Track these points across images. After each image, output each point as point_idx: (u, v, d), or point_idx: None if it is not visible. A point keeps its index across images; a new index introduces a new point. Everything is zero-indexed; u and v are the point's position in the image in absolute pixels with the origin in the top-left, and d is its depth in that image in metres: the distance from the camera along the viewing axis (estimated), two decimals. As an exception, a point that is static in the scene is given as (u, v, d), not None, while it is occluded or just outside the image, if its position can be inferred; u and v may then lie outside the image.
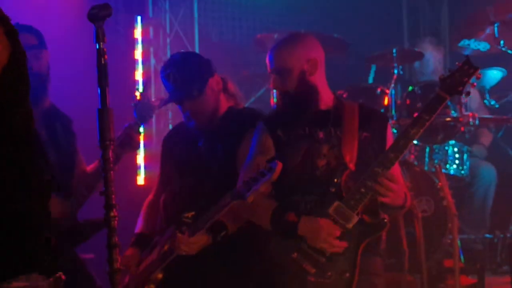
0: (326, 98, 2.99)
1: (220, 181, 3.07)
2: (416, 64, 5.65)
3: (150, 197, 3.45)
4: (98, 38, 1.88)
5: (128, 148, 3.34)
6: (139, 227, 3.35)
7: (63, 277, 1.76)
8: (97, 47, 1.88)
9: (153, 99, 3.60)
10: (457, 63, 2.86)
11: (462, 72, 2.77)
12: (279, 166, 2.64)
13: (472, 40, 5.55)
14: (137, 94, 3.49)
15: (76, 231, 3.29)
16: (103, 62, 1.86)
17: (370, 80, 5.61)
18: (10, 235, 1.69)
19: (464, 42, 5.59)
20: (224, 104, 3.25)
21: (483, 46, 5.52)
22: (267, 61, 3.01)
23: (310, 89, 2.94)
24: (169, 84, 3.20)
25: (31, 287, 1.68)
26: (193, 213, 2.96)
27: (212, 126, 3.22)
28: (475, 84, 2.82)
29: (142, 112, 3.38)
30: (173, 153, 3.33)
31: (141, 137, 5.51)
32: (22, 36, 1.71)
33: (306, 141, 2.91)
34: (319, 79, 2.98)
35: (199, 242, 2.93)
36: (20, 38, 1.75)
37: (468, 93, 2.82)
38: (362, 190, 2.72)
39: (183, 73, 3.16)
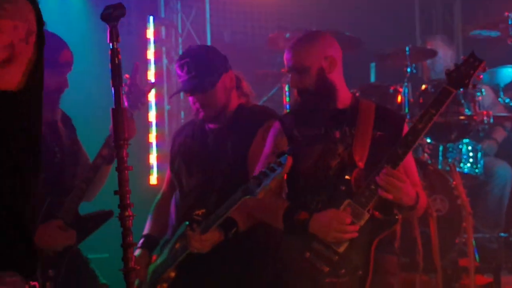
0: (344, 97, 2.98)
1: (230, 178, 3.07)
2: (428, 62, 5.63)
3: (159, 197, 3.45)
4: (112, 38, 1.88)
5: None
6: (147, 228, 3.35)
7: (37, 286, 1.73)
8: (111, 47, 1.89)
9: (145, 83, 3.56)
10: (462, 56, 2.91)
11: (468, 65, 2.81)
12: (289, 160, 2.63)
13: (484, 31, 5.53)
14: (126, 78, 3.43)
15: (79, 226, 3.29)
16: (117, 62, 1.87)
17: (372, 79, 5.60)
18: None
19: (475, 32, 5.57)
20: (235, 101, 3.24)
21: (494, 33, 5.50)
22: (284, 59, 3.02)
23: (328, 87, 2.94)
24: (183, 73, 3.18)
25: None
26: (203, 210, 2.96)
27: (222, 122, 3.21)
28: (481, 76, 2.86)
29: (133, 99, 3.36)
30: (182, 150, 3.31)
31: (153, 137, 5.55)
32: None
33: (321, 141, 2.91)
34: (337, 77, 2.98)
35: (211, 239, 2.93)
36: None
37: (474, 86, 2.85)
38: (372, 187, 2.74)
39: (199, 64, 3.15)
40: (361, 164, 2.81)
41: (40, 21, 1.73)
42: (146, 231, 3.34)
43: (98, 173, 3.27)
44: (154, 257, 3.24)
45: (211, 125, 3.25)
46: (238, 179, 2.89)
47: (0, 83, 1.66)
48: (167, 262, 3.10)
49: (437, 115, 2.75)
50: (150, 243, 3.28)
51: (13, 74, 1.68)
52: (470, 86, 2.81)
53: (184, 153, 3.29)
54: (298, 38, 3.04)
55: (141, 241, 3.30)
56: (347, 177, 2.80)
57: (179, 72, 3.21)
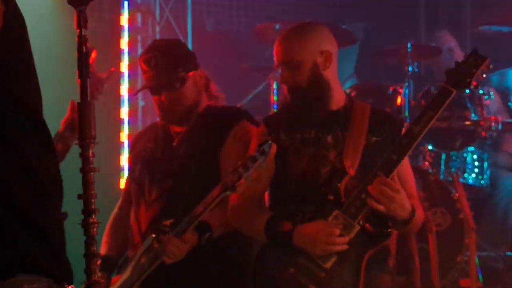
0: (338, 97, 2.98)
1: (199, 183, 3.04)
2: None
3: (115, 212, 3.38)
4: (80, 23, 1.88)
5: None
6: (104, 248, 3.27)
7: None
8: (78, 33, 1.88)
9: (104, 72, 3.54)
10: (464, 54, 2.90)
11: (470, 63, 2.81)
12: (273, 148, 2.63)
13: (493, 26, 5.58)
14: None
15: None
16: (84, 50, 1.86)
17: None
18: (12, 230, 1.69)
19: (485, 27, 5.62)
20: (204, 103, 3.25)
21: (505, 28, 5.56)
22: (274, 52, 3.00)
23: (322, 85, 2.94)
24: (148, 69, 3.16)
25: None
26: (171, 220, 2.94)
27: (188, 124, 3.21)
28: (484, 76, 2.85)
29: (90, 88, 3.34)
30: (143, 157, 3.28)
31: (125, 136, 5.53)
32: None
33: (311, 146, 2.91)
34: (332, 75, 2.97)
35: (189, 241, 2.90)
36: None
37: (476, 86, 2.85)
38: (363, 196, 2.73)
39: (168, 59, 3.14)
40: (351, 171, 2.81)
41: None
42: (103, 251, 3.25)
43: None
44: (113, 280, 3.18)
45: (177, 128, 3.24)
46: (208, 184, 2.87)
47: None
48: (131, 279, 3.06)
49: (435, 117, 2.75)
50: (109, 265, 3.22)
51: None
52: (472, 85, 2.81)
53: (146, 159, 3.26)
54: (291, 29, 3.03)
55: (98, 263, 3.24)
56: (336, 184, 2.80)
57: (144, 67, 3.18)
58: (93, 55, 3.26)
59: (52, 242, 1.75)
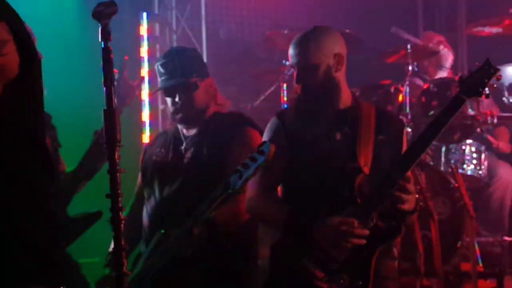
0: (346, 97, 2.98)
1: (205, 184, 3.00)
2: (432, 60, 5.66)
3: (128, 211, 3.38)
4: (104, 36, 1.89)
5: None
6: None
7: None
8: (102, 45, 1.90)
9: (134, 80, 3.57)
10: (476, 63, 2.83)
11: (482, 72, 2.74)
12: (271, 148, 2.63)
13: (487, 27, 5.57)
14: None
15: (69, 228, 3.29)
16: (109, 61, 1.88)
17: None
18: (15, 249, 1.73)
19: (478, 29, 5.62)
20: (212, 109, 3.27)
21: (495, 30, 5.55)
22: (290, 54, 2.98)
23: (334, 86, 2.94)
24: (165, 71, 3.20)
25: None
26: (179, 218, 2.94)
27: (196, 127, 3.23)
28: (495, 85, 2.79)
29: (121, 94, 3.32)
30: (155, 160, 3.30)
31: (147, 137, 5.54)
32: None
33: (321, 142, 2.91)
34: (342, 76, 2.97)
35: (195, 237, 2.88)
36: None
37: (488, 95, 2.78)
38: (378, 195, 2.72)
39: (184, 64, 3.18)
40: (366, 169, 2.80)
41: (14, 27, 1.72)
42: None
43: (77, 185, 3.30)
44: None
45: (186, 133, 3.26)
46: (214, 185, 2.87)
47: None
48: (143, 274, 3.06)
49: (447, 124, 2.72)
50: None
51: None
52: (484, 95, 2.75)
53: (157, 162, 3.28)
54: (306, 33, 3.00)
55: (109, 258, 3.25)
56: (351, 182, 2.79)
57: (162, 70, 3.22)
58: (125, 64, 3.30)
59: (45, 253, 1.78)
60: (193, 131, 3.24)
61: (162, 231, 3.03)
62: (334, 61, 2.92)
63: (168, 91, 3.23)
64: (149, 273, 3.04)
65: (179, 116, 3.22)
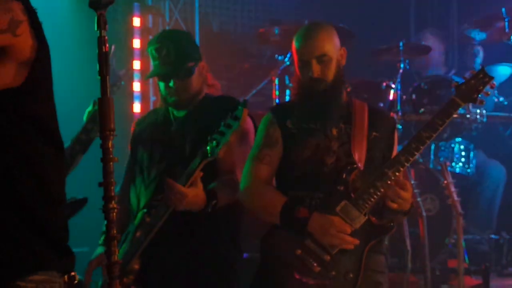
0: (344, 93, 3.02)
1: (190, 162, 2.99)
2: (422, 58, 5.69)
3: (118, 192, 3.32)
4: (100, 25, 1.89)
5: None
6: None
7: (76, 276, 1.83)
8: (99, 34, 1.90)
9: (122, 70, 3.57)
10: (471, 71, 2.96)
11: (477, 80, 2.86)
12: (245, 112, 2.64)
13: (477, 30, 5.60)
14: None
15: None
16: (104, 50, 1.88)
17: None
18: (24, 234, 1.75)
19: (468, 32, 5.65)
20: (204, 91, 3.26)
21: (480, 36, 5.60)
22: (301, 47, 2.94)
23: (342, 79, 2.97)
24: (159, 56, 3.16)
25: (46, 281, 1.74)
26: (162, 195, 2.94)
27: (187, 110, 3.21)
28: (489, 93, 2.90)
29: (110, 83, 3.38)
30: (144, 138, 3.29)
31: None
32: None
33: (316, 136, 2.93)
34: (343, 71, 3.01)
35: (190, 192, 2.86)
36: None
37: (481, 102, 2.89)
38: (371, 190, 2.75)
39: (179, 49, 3.15)
40: (360, 165, 2.84)
41: (30, 9, 1.73)
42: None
43: (74, 159, 3.30)
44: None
45: (176, 113, 3.24)
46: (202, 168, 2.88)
47: None
48: (129, 254, 3.08)
49: (443, 126, 2.80)
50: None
51: (7, 69, 1.69)
52: (478, 102, 2.86)
53: (146, 141, 3.27)
54: (315, 27, 3.01)
55: (102, 238, 3.24)
56: (345, 177, 2.81)
57: (156, 54, 3.17)
58: (112, 53, 3.29)
59: (54, 236, 1.81)
60: (183, 112, 3.23)
61: (144, 210, 3.06)
62: (340, 55, 2.96)
63: (163, 77, 3.19)
64: (134, 256, 3.06)
65: (172, 100, 3.19)
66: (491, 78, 2.86)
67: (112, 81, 3.39)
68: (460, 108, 4.79)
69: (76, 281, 1.88)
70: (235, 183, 3.04)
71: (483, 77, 2.86)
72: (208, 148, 2.76)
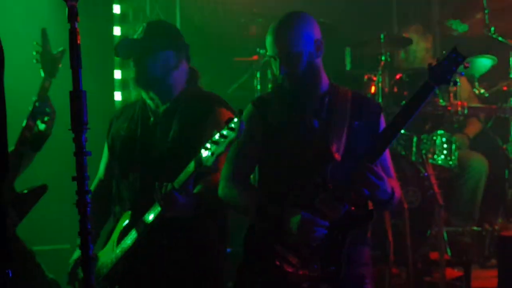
0: (324, 83, 2.97)
1: (174, 162, 2.97)
2: (402, 54, 5.69)
3: (95, 186, 3.33)
4: (71, 17, 1.87)
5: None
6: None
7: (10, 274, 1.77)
8: (70, 27, 1.88)
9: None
10: (444, 51, 2.89)
11: (450, 60, 2.78)
12: (241, 124, 2.61)
13: (458, 21, 5.61)
14: (36, 45, 3.48)
15: (19, 202, 3.27)
16: (76, 42, 1.86)
17: (348, 66, 5.63)
18: None
19: (449, 22, 5.66)
20: (182, 84, 3.18)
21: (462, 28, 5.61)
22: (269, 44, 2.91)
23: (316, 73, 2.92)
24: (138, 43, 3.10)
25: None
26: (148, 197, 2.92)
27: (169, 103, 3.15)
28: (463, 73, 2.86)
29: (48, 66, 3.40)
30: (122, 134, 3.23)
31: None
32: None
33: (298, 129, 2.90)
34: (320, 62, 2.96)
35: (181, 200, 2.84)
36: None
37: (455, 83, 2.83)
38: (349, 181, 2.72)
39: (166, 39, 3.13)
40: (337, 156, 2.80)
41: None
42: None
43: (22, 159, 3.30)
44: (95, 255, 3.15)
45: (153, 107, 3.17)
46: (181, 161, 2.85)
47: None
48: (114, 255, 3.06)
49: (418, 110, 2.75)
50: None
51: None
52: (452, 82, 2.80)
53: (125, 138, 3.21)
54: (284, 21, 2.93)
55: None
56: (322, 168, 2.79)
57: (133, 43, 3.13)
58: (45, 36, 3.29)
59: None
60: (163, 107, 3.16)
61: (129, 212, 3.04)
62: (315, 47, 2.91)
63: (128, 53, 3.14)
64: (119, 258, 3.03)
65: (143, 84, 3.13)
66: (464, 57, 2.78)
67: (50, 67, 3.42)
68: (442, 100, 4.91)
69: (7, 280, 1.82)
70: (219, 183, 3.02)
71: (456, 57, 2.78)
72: (203, 158, 2.71)
